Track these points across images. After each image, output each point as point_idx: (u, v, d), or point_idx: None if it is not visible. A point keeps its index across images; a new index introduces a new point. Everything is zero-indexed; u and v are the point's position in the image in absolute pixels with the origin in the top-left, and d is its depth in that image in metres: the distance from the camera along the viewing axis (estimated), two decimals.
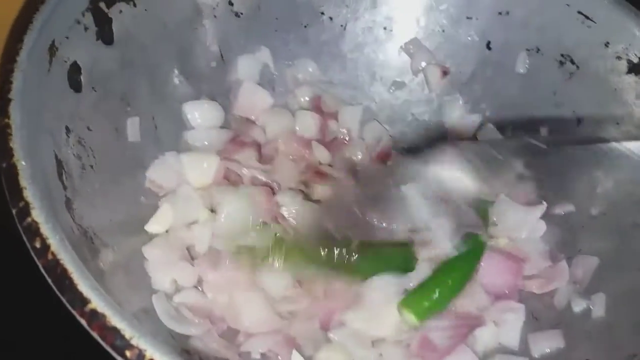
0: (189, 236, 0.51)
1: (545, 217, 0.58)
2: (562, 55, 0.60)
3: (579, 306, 0.52)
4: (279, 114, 0.62)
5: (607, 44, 0.57)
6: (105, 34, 0.51)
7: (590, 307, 0.52)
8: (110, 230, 0.46)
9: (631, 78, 0.56)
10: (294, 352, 0.47)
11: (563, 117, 0.60)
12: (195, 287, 0.51)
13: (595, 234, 0.56)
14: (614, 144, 0.40)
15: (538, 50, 0.61)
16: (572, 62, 0.60)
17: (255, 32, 0.63)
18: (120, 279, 0.44)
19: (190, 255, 0.52)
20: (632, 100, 0.56)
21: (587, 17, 0.58)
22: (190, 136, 0.58)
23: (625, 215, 0.54)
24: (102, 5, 0.50)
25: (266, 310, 0.50)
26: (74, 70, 0.47)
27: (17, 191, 0.35)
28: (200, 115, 0.58)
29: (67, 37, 0.46)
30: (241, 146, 0.57)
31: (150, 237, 0.51)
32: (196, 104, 0.59)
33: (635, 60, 0.56)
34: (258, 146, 0.59)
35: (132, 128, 0.53)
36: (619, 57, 0.57)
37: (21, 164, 0.36)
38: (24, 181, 0.35)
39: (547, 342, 0.51)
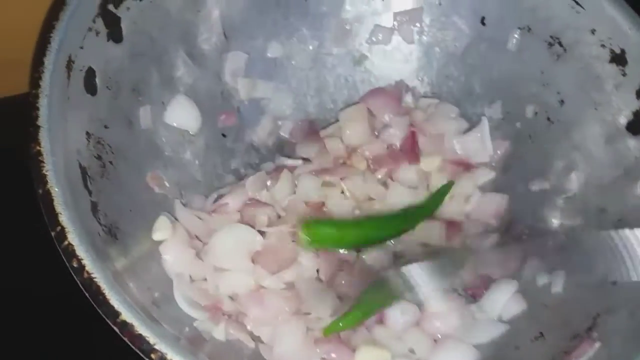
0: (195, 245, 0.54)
1: (522, 192, 0.64)
2: (551, 37, 0.62)
3: (542, 280, 0.57)
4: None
5: (593, 31, 0.59)
6: (115, 34, 0.53)
7: (551, 282, 0.57)
8: (132, 220, 0.51)
9: (613, 68, 0.59)
10: None
11: (548, 96, 0.64)
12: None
13: (564, 213, 0.61)
14: None
15: (529, 29, 0.63)
16: (560, 44, 0.62)
17: (257, 7, 0.65)
18: (142, 266, 0.49)
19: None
20: (610, 89, 0.59)
21: (577, 3, 0.59)
22: None
23: (593, 199, 0.59)
24: (111, 6, 0.52)
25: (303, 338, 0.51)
26: (90, 76, 0.50)
27: (54, 216, 0.40)
28: (177, 115, 0.60)
29: (82, 47, 0.49)
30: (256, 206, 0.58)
31: None
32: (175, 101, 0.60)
33: (618, 51, 0.58)
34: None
35: (144, 116, 0.57)
36: (603, 46, 0.59)
37: (55, 190, 0.41)
38: (59, 207, 0.40)
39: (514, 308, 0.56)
